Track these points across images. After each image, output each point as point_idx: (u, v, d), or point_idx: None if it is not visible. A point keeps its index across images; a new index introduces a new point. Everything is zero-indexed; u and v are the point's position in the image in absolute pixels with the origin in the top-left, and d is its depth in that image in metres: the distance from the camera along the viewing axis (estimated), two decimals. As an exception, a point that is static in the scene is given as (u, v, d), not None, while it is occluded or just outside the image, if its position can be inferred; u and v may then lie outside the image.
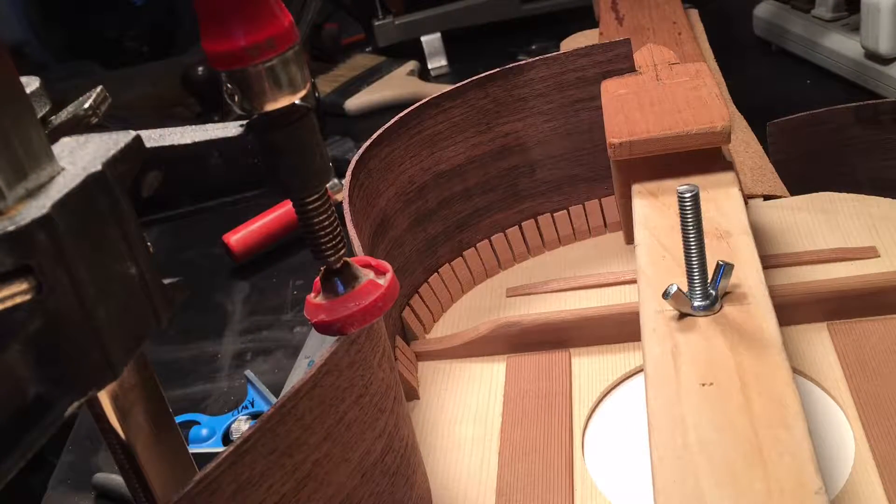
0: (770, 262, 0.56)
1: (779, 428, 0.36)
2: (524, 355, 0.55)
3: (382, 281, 0.36)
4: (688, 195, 0.42)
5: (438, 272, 0.63)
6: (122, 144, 0.28)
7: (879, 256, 0.56)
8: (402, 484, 0.40)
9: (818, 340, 0.51)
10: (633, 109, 0.58)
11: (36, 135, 0.26)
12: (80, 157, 0.27)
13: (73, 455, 0.63)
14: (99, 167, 0.26)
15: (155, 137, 0.31)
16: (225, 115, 1.18)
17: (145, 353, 0.31)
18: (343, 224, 0.42)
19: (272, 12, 0.30)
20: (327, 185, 0.34)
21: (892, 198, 0.61)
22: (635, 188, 0.56)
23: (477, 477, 0.47)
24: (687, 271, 0.44)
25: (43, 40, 1.74)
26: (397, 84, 1.13)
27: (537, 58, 0.63)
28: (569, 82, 0.63)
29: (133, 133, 0.28)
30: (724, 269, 0.44)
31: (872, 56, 0.84)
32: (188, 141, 0.32)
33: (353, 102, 1.11)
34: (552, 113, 0.64)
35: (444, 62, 1.19)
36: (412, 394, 0.54)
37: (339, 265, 0.36)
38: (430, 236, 0.62)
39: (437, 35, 1.19)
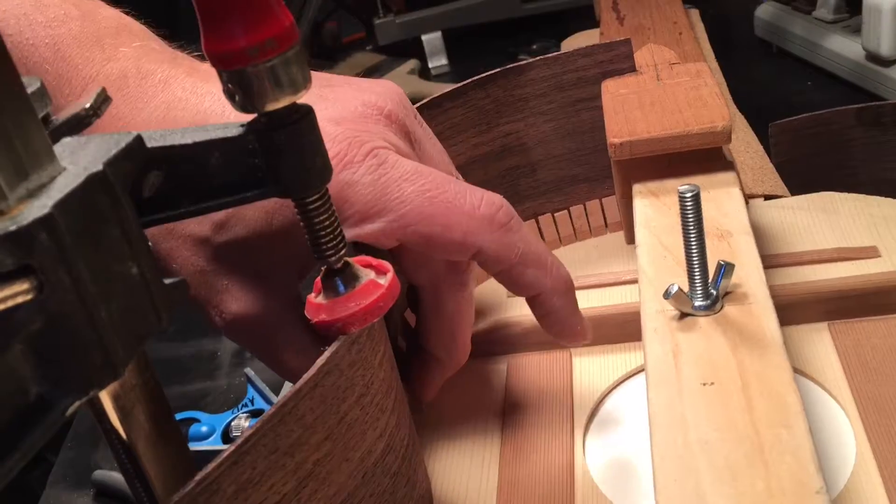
0: (771, 261, 0.56)
1: (780, 427, 0.36)
2: (524, 355, 0.55)
3: (383, 281, 0.36)
4: (689, 195, 0.42)
5: (439, 272, 0.63)
6: (123, 144, 0.28)
7: (880, 256, 0.56)
8: (403, 484, 0.40)
9: (819, 340, 0.51)
10: (633, 109, 0.58)
11: (37, 135, 0.26)
12: (81, 157, 0.27)
13: (73, 452, 0.63)
14: (100, 167, 0.26)
15: (155, 137, 0.31)
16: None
17: (146, 353, 0.31)
18: (344, 224, 0.42)
19: (273, 12, 0.30)
20: (328, 185, 0.34)
21: (894, 198, 0.61)
22: (636, 188, 0.56)
23: (477, 477, 0.47)
24: (688, 271, 0.44)
25: (43, 39, 1.74)
26: (398, 83, 1.12)
27: (538, 58, 0.63)
28: (569, 82, 0.63)
29: (134, 133, 0.28)
30: (725, 268, 0.44)
31: (874, 58, 0.84)
32: (188, 141, 0.32)
33: (354, 101, 1.11)
34: (553, 113, 0.64)
35: (444, 61, 1.19)
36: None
37: (339, 265, 0.36)
38: (430, 236, 0.62)
39: (438, 34, 1.19)
